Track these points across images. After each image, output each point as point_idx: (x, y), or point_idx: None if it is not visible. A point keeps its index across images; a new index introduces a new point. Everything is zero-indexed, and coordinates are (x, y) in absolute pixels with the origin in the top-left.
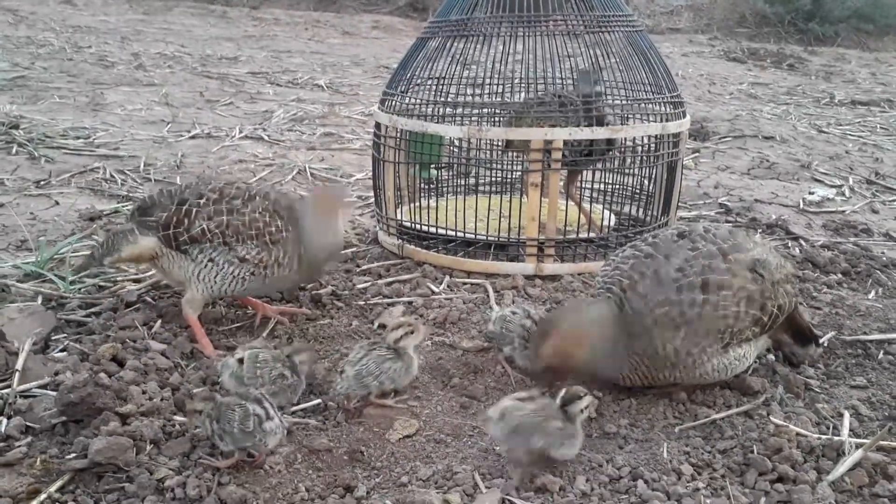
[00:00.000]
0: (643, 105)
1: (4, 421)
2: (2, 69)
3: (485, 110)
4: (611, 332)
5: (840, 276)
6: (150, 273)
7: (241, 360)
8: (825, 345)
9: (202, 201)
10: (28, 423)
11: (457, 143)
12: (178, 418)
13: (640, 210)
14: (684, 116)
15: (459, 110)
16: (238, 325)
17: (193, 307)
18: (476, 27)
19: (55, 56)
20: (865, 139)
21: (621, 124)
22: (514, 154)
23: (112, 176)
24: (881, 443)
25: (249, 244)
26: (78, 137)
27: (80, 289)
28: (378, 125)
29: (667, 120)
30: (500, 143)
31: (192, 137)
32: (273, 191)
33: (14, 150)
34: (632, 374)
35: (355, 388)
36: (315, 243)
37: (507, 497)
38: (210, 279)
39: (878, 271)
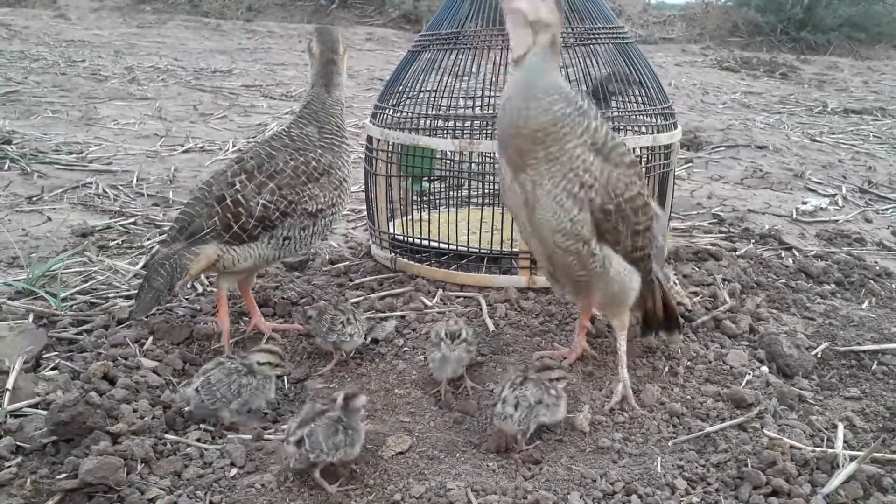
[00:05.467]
0: (634, 116)
1: None
2: None
3: (476, 123)
4: None
5: (833, 286)
6: None
7: (197, 390)
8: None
9: (238, 186)
10: (18, 443)
11: (449, 155)
12: (170, 437)
13: None
14: (675, 128)
15: (451, 123)
16: (231, 340)
17: (230, 282)
18: (467, 40)
19: (48, 70)
20: (858, 148)
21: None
22: None
23: (104, 191)
24: (875, 455)
25: (311, 190)
26: (71, 152)
27: (71, 306)
28: (370, 139)
29: (658, 131)
30: (492, 156)
31: (186, 151)
32: (270, 138)
33: (6, 166)
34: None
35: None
36: None
37: None
38: (291, 248)
39: (872, 281)
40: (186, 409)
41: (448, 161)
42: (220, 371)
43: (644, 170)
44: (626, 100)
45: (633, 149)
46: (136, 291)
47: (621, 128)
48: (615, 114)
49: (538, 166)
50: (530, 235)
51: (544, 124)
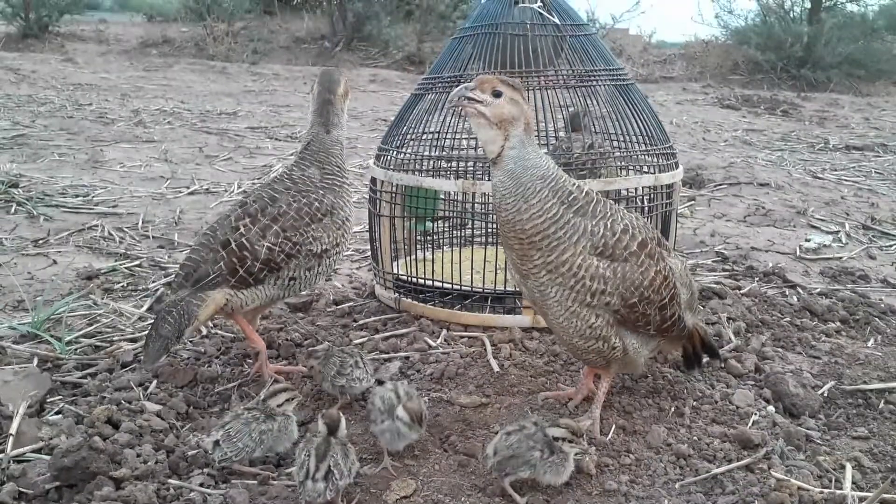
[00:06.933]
0: (635, 156)
1: None
2: (2, 128)
3: (479, 163)
4: None
5: (838, 323)
6: (146, 333)
7: (216, 442)
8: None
9: (242, 230)
10: (21, 489)
11: (452, 195)
12: (173, 482)
13: None
14: (677, 167)
15: (454, 164)
16: (234, 383)
17: (241, 313)
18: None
19: (56, 114)
20: (860, 184)
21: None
22: None
23: (110, 234)
24: (884, 496)
25: (315, 231)
26: (77, 195)
27: (76, 349)
28: (374, 180)
29: (660, 171)
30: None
31: (191, 193)
32: (273, 181)
33: (13, 209)
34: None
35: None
36: None
37: None
38: (297, 289)
39: (877, 318)
40: (191, 453)
41: (451, 201)
42: (237, 423)
43: (647, 209)
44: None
45: (636, 189)
46: (143, 340)
47: (624, 167)
48: (617, 154)
49: (540, 275)
50: (546, 320)
51: (539, 228)
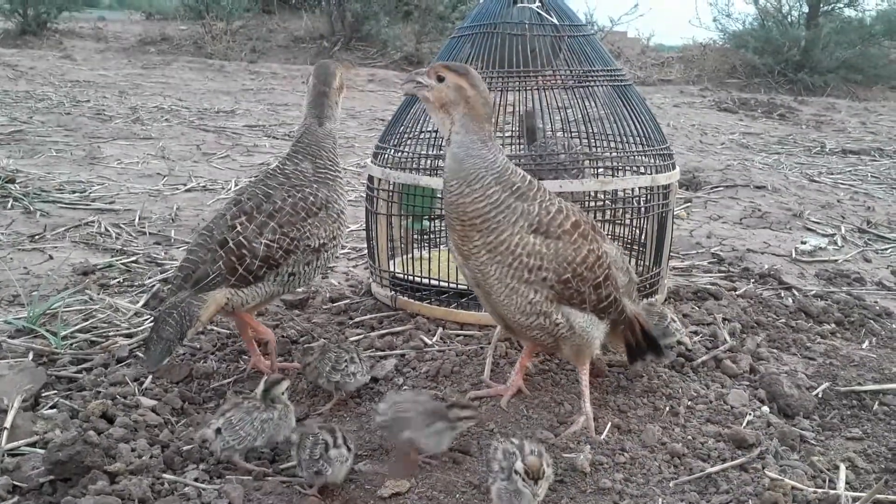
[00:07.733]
0: (632, 157)
1: None
2: (0, 123)
3: None
4: None
5: (833, 325)
6: (142, 328)
7: (218, 430)
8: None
9: (239, 228)
10: (15, 483)
11: None
12: (167, 476)
13: (633, 261)
14: (674, 168)
15: None
16: (230, 379)
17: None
18: None
19: (53, 110)
20: (857, 188)
21: (612, 176)
22: None
23: (107, 230)
24: (878, 496)
25: (311, 225)
26: (74, 191)
27: (71, 344)
28: (371, 178)
29: (656, 172)
30: None
31: (188, 191)
32: (266, 176)
33: (10, 205)
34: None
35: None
36: None
37: None
38: (296, 284)
39: (872, 321)
40: (185, 448)
41: None
42: (237, 411)
43: (643, 210)
44: (618, 140)
45: (632, 189)
46: (140, 336)
47: (619, 168)
48: (613, 154)
49: (480, 255)
50: (487, 305)
51: (480, 211)
